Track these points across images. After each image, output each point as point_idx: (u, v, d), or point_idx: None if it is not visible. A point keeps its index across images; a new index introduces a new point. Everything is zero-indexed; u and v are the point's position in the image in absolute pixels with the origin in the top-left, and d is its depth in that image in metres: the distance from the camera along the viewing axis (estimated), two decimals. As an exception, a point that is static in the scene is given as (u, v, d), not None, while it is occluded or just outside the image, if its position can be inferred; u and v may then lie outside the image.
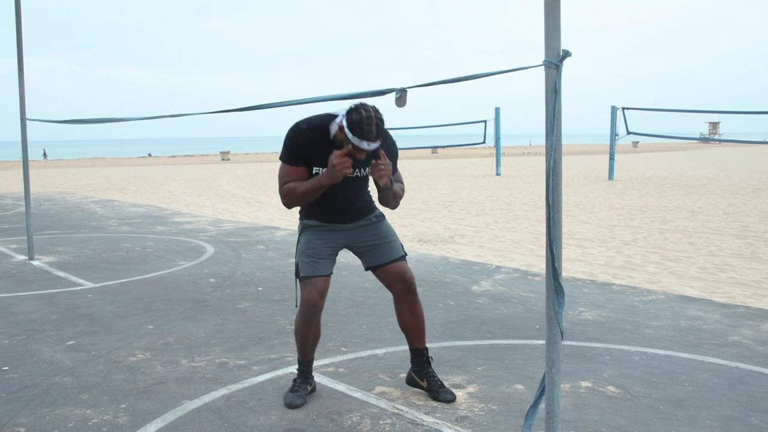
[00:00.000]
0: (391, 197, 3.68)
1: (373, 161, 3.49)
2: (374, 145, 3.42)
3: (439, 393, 3.82)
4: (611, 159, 24.08)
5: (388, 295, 4.02)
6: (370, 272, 3.95)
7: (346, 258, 7.32)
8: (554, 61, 2.77)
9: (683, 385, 4.00)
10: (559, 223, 2.84)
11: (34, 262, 8.20)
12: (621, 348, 4.71)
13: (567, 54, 2.77)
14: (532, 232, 11.01)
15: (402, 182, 3.86)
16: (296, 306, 3.82)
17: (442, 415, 3.63)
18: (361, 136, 3.37)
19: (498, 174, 27.21)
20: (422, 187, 21.42)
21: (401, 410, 3.69)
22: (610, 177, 23.68)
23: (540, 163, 36.10)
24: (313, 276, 3.69)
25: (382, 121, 3.45)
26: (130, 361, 4.58)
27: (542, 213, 13.70)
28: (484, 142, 28.03)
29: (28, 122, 8.42)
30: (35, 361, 4.60)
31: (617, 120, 24.08)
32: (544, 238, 10.40)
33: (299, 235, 3.85)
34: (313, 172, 3.63)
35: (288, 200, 3.65)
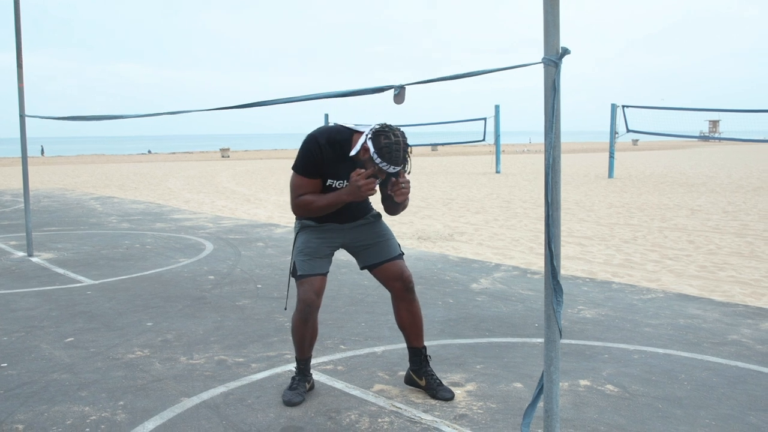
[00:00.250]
0: (401, 208, 3.75)
1: (394, 179, 3.53)
2: (399, 169, 3.47)
3: (437, 391, 3.82)
4: (611, 157, 24.07)
5: (387, 293, 4.02)
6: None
7: (346, 255, 7.31)
8: (553, 58, 2.76)
9: (682, 384, 4.00)
10: (557, 221, 2.83)
11: (34, 259, 8.19)
12: (620, 346, 4.70)
13: (566, 51, 2.76)
14: (532, 230, 11.01)
15: None
16: (285, 309, 3.81)
17: (441, 413, 3.63)
18: (389, 161, 3.42)
19: (498, 172, 27.19)
20: (422, 184, 21.41)
21: (399, 408, 3.69)
22: (610, 175, 23.68)
23: (540, 161, 36.07)
24: (310, 274, 3.69)
25: (408, 145, 3.49)
26: (128, 358, 4.57)
27: (542, 211, 13.68)
28: (484, 139, 28.01)
29: (27, 119, 8.41)
30: (34, 357, 4.60)
31: (617, 118, 24.06)
32: (543, 236, 10.36)
33: (296, 234, 3.85)
34: (327, 184, 3.64)
35: (303, 212, 3.66)
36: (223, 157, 50.73)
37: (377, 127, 3.51)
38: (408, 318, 3.89)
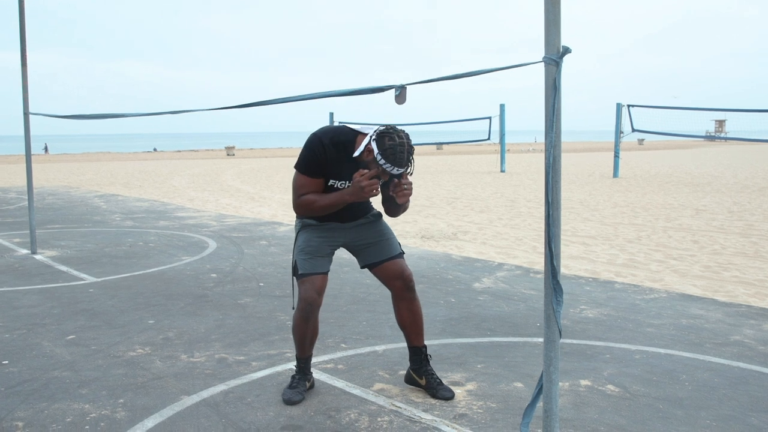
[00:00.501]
0: (401, 210, 3.76)
1: (396, 180, 3.53)
2: (402, 170, 3.47)
3: (437, 390, 3.81)
4: (616, 156, 24.02)
5: (389, 292, 4.02)
6: None
7: (348, 254, 7.29)
8: (554, 57, 2.75)
9: (683, 385, 3.98)
10: (558, 220, 2.82)
11: (37, 257, 8.21)
12: (622, 346, 4.69)
13: (567, 50, 2.75)
14: (536, 229, 10.99)
15: None
16: (293, 308, 3.81)
17: (440, 412, 3.62)
18: (393, 162, 3.42)
19: (503, 171, 27.16)
20: (426, 183, 21.39)
21: (399, 407, 3.68)
22: (615, 174, 23.62)
23: (541, 160, 35.91)
24: (311, 273, 3.68)
25: (412, 147, 3.49)
26: (129, 356, 4.58)
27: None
28: (488, 138, 27.98)
29: (31, 116, 8.43)
30: (35, 355, 4.61)
31: (622, 117, 24.00)
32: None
33: (297, 233, 3.85)
34: (329, 184, 3.64)
35: (304, 211, 3.67)
36: (228, 155, 50.78)
37: (381, 128, 3.51)
38: (408, 317, 3.88)
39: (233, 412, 3.64)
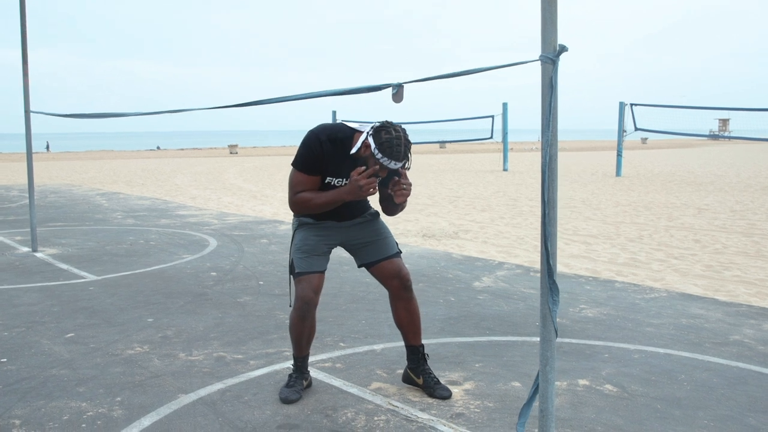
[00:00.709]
0: (399, 209, 3.75)
1: (395, 178, 3.52)
2: (400, 165, 3.46)
3: (435, 390, 3.80)
4: (619, 155, 23.98)
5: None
6: None
7: (348, 253, 7.31)
8: (551, 56, 2.74)
9: (682, 384, 3.97)
10: (554, 220, 2.81)
11: (38, 254, 8.22)
12: (620, 346, 4.68)
13: (563, 49, 2.74)
14: (537, 228, 10.96)
15: None
16: (290, 306, 3.81)
17: (438, 411, 3.62)
18: (390, 156, 3.41)
19: (505, 169, 27.13)
20: (429, 182, 21.38)
21: (396, 406, 3.68)
22: (618, 173, 23.59)
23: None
24: (308, 272, 3.68)
25: (409, 141, 3.49)
26: (128, 354, 4.58)
27: (557, 208, 13.64)
28: (491, 137, 27.96)
29: (32, 114, 8.43)
30: (34, 353, 4.61)
31: (625, 116, 23.96)
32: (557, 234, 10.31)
33: (294, 231, 3.84)
34: (326, 181, 3.63)
35: (301, 208, 3.67)
36: (231, 153, 50.82)
37: (378, 124, 3.51)
38: (406, 316, 3.88)
39: (230, 410, 3.63)
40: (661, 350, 4.58)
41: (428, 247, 8.97)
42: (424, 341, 4.02)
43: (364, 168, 3.47)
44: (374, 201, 3.88)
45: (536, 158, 37.78)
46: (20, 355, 4.57)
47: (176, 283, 6.64)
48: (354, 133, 3.61)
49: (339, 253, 5.81)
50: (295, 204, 3.66)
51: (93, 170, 29.16)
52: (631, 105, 24.09)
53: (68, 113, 7.83)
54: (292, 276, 3.76)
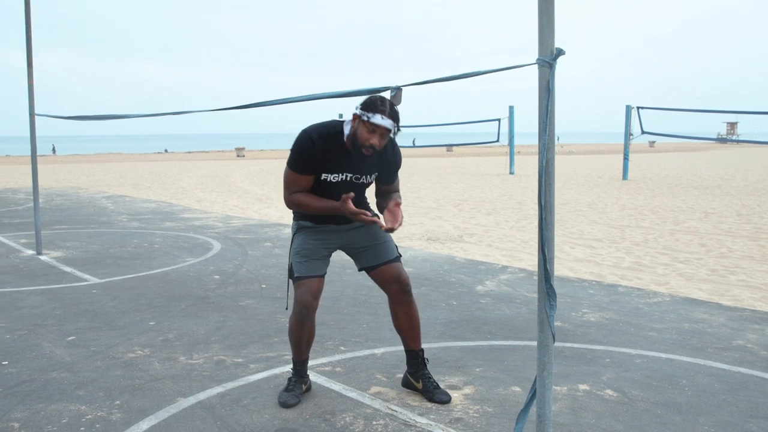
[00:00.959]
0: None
1: (391, 206, 3.57)
2: (388, 122, 3.45)
3: (434, 394, 3.79)
4: (625, 159, 23.91)
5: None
6: None
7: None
8: (548, 59, 2.73)
9: (683, 390, 3.94)
10: (551, 224, 2.81)
11: (42, 257, 8.24)
12: (622, 351, 4.65)
13: (560, 52, 2.73)
14: (542, 232, 10.93)
15: (398, 190, 3.89)
16: (287, 308, 3.81)
17: (436, 416, 3.60)
18: (374, 110, 3.43)
19: (512, 173, 27.09)
20: (435, 185, 21.36)
21: (395, 411, 3.66)
22: (624, 177, 23.51)
23: (555, 162, 35.78)
24: (307, 276, 3.67)
25: (396, 110, 3.50)
26: (128, 357, 4.58)
27: (554, 213, 13.60)
28: (497, 140, 27.92)
29: (38, 117, 8.46)
30: (35, 356, 4.62)
31: (632, 119, 23.89)
32: (554, 238, 10.31)
33: (293, 235, 3.84)
34: (322, 178, 3.63)
35: (296, 208, 3.70)
36: (238, 156, 50.88)
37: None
38: (405, 321, 3.87)
39: (228, 414, 3.63)
40: (663, 355, 4.56)
41: (432, 250, 8.95)
42: (424, 345, 4.01)
43: (359, 212, 3.46)
44: (372, 197, 3.88)
45: (543, 161, 37.66)
46: (21, 357, 4.58)
47: (179, 286, 6.65)
48: (344, 124, 3.64)
49: (342, 257, 5.81)
50: (291, 203, 3.69)
51: (100, 173, 29.25)
52: (638, 108, 24.02)
53: (72, 115, 7.85)
54: (291, 280, 3.76)
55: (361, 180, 3.69)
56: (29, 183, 21.91)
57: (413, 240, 9.80)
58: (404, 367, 4.11)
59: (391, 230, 3.47)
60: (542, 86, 2.76)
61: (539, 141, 2.78)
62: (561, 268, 7.80)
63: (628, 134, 24.05)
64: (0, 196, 17.55)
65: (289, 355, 4.53)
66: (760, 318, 5.51)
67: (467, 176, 25.97)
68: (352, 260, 3.96)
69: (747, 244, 9.71)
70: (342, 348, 4.75)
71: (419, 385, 3.87)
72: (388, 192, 3.80)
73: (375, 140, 3.47)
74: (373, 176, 3.73)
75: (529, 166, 33.11)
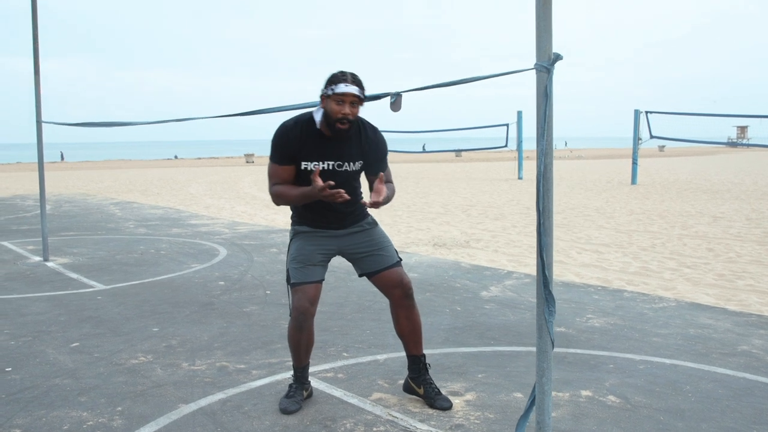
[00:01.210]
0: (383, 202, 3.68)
1: (376, 184, 3.52)
2: (353, 88, 3.47)
3: (435, 400, 3.78)
4: (634, 163, 23.83)
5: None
6: None
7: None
8: (545, 64, 2.72)
9: (686, 396, 3.92)
10: (549, 230, 2.79)
11: (49, 264, 8.27)
12: (626, 356, 4.62)
13: (558, 57, 2.73)
14: (549, 237, 10.89)
15: (392, 181, 3.87)
16: (291, 315, 3.81)
17: (437, 422, 3.59)
18: (336, 81, 3.48)
19: (520, 178, 27.05)
20: (443, 191, 21.35)
21: (396, 417, 3.65)
22: (633, 181, 23.43)
23: (563, 167, 35.82)
24: (303, 282, 3.67)
25: (359, 78, 3.53)
26: (131, 363, 4.58)
27: (561, 217, 13.58)
28: (506, 145, 27.90)
29: (47, 125, 8.52)
30: (38, 362, 4.63)
31: (640, 124, 23.83)
32: (561, 243, 10.32)
33: (290, 241, 3.84)
34: (302, 168, 3.63)
35: (278, 200, 3.72)
36: (247, 162, 51.02)
37: None
38: (407, 325, 3.86)
39: (229, 420, 3.63)
40: (667, 361, 4.53)
41: (438, 256, 8.94)
42: (427, 351, 4.00)
43: (327, 185, 3.42)
44: (368, 197, 3.86)
45: (554, 166, 37.55)
46: (25, 364, 4.59)
47: (184, 292, 6.66)
48: (313, 112, 3.67)
49: (346, 263, 5.80)
50: (273, 196, 3.71)
51: (109, 179, 29.38)
52: (647, 113, 23.95)
53: (78, 122, 7.90)
54: (289, 286, 3.76)
55: (344, 167, 3.67)
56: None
57: (419, 246, 9.79)
58: (406, 373, 4.10)
59: (376, 204, 3.44)
60: (540, 91, 2.76)
61: (537, 146, 2.77)
62: (567, 274, 7.77)
63: (636, 139, 23.98)
64: (9, 203, 17.66)
65: (291, 361, 4.52)
66: (766, 323, 5.47)
67: (476, 181, 25.95)
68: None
69: (755, 248, 9.65)
70: (345, 354, 4.74)
71: (421, 391, 3.85)
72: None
73: (346, 109, 3.50)
74: (358, 164, 3.70)
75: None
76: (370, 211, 3.97)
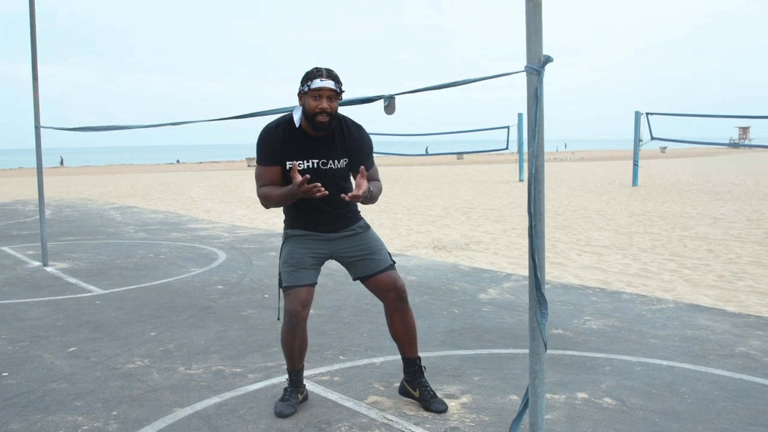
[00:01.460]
0: (369, 202, 3.67)
1: (358, 179, 3.51)
2: (328, 83, 3.50)
3: (430, 403, 3.77)
4: (635, 165, 23.82)
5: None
6: None
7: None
8: (536, 66, 2.72)
9: (682, 397, 3.91)
10: (541, 232, 2.79)
11: (48, 269, 8.28)
12: (623, 358, 4.62)
13: (548, 60, 2.73)
14: (549, 239, 10.89)
15: (378, 179, 3.87)
16: (279, 318, 3.81)
17: (432, 425, 3.58)
18: (312, 77, 3.52)
19: (521, 180, 27.03)
20: (444, 193, 21.35)
21: (391, 420, 3.65)
22: (634, 183, 23.41)
23: (564, 169, 35.83)
24: (295, 286, 3.67)
25: (334, 72, 3.57)
26: (128, 368, 4.58)
27: (561, 219, 13.57)
28: (507, 148, 27.89)
29: (49, 130, 8.55)
30: (35, 367, 4.63)
31: (641, 125, 23.81)
32: (561, 245, 10.31)
33: (282, 244, 3.84)
34: (288, 168, 3.63)
35: (265, 202, 3.73)
36: (249, 166, 51.05)
37: None
38: (402, 328, 3.85)
39: (224, 424, 3.62)
40: (664, 362, 4.52)
41: (437, 259, 8.94)
42: (424, 354, 3.99)
43: (305, 178, 3.40)
44: (371, 207, 3.86)
45: (552, 168, 37.63)
46: (21, 369, 4.59)
47: (182, 296, 6.66)
48: (293, 112, 3.69)
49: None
50: (260, 198, 3.72)
51: (111, 184, 29.41)
52: (647, 114, 23.94)
53: (76, 127, 7.91)
54: (281, 290, 3.76)
55: (329, 165, 3.67)
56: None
57: (419, 248, 9.79)
58: (402, 376, 4.10)
59: (355, 198, 3.44)
60: (530, 94, 2.76)
61: (528, 148, 2.77)
62: (566, 276, 7.76)
63: (637, 140, 23.97)
64: (10, 208, 17.68)
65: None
66: (764, 324, 5.45)
67: (476, 184, 25.94)
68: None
69: (756, 249, 9.64)
70: (341, 357, 4.74)
71: (416, 394, 3.85)
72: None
73: (323, 104, 3.51)
74: (343, 161, 3.70)
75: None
76: (363, 214, 3.97)
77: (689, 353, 4.71)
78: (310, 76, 3.53)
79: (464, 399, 3.93)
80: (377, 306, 6.03)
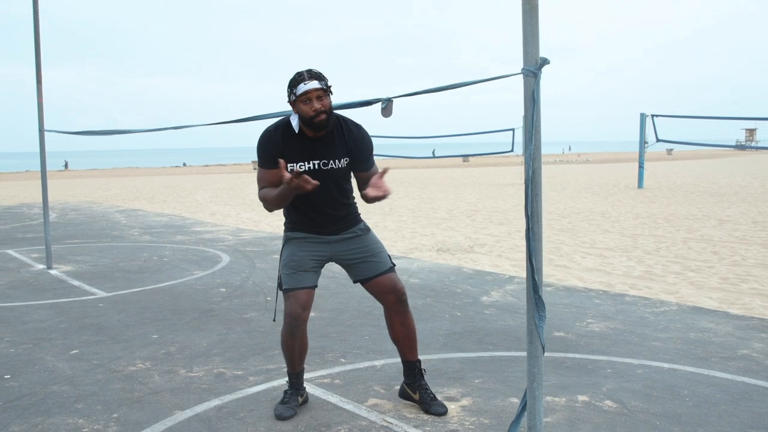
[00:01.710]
0: (376, 199, 3.66)
1: (376, 179, 3.49)
2: (312, 83, 3.51)
3: (430, 406, 3.77)
4: (641, 167, 23.77)
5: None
6: None
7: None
8: (532, 69, 2.72)
9: (684, 400, 3.89)
10: (539, 234, 2.78)
11: (52, 272, 8.30)
12: (624, 361, 4.60)
13: (545, 62, 2.73)
14: (553, 242, 10.88)
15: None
16: (274, 320, 3.82)
17: (432, 428, 3.58)
18: (295, 84, 3.53)
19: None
20: (449, 196, 21.34)
21: (391, 423, 3.65)
22: (640, 185, 23.37)
23: (569, 171, 35.78)
24: (295, 288, 3.67)
25: (316, 71, 3.57)
26: (129, 370, 4.59)
27: (566, 222, 13.55)
28: (512, 150, 27.87)
29: (55, 134, 8.57)
30: (37, 369, 4.64)
31: (646, 127, 23.76)
32: (565, 248, 10.29)
33: (282, 247, 3.85)
34: (288, 170, 3.63)
35: (265, 204, 3.73)
36: (254, 168, 51.14)
37: None
38: (402, 331, 3.85)
39: (224, 427, 3.63)
40: (666, 365, 4.51)
41: (441, 261, 8.93)
42: (425, 357, 3.99)
43: (295, 173, 3.40)
44: (369, 207, 3.86)
45: (557, 170, 37.58)
46: (24, 371, 4.61)
47: (185, 299, 6.67)
48: (290, 117, 3.70)
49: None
50: (261, 200, 3.72)
51: (116, 187, 29.48)
52: (653, 116, 23.89)
53: (80, 130, 7.94)
54: (281, 292, 3.76)
55: (330, 166, 3.67)
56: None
57: (423, 251, 9.79)
58: (402, 379, 4.09)
59: (379, 198, 3.45)
60: (527, 96, 2.75)
61: (525, 150, 2.77)
62: (570, 278, 7.75)
63: (642, 142, 23.92)
64: (16, 211, 17.74)
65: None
66: (767, 326, 5.43)
67: (482, 186, 25.93)
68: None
69: (761, 251, 9.60)
70: (342, 360, 4.74)
71: (416, 396, 3.85)
72: (368, 180, 3.70)
73: (315, 105, 3.52)
74: (344, 161, 3.69)
75: (543, 175, 32.98)
76: (368, 217, 3.97)
77: (691, 356, 4.69)
78: (293, 83, 3.54)
79: (464, 402, 3.93)
80: (379, 309, 6.01)
